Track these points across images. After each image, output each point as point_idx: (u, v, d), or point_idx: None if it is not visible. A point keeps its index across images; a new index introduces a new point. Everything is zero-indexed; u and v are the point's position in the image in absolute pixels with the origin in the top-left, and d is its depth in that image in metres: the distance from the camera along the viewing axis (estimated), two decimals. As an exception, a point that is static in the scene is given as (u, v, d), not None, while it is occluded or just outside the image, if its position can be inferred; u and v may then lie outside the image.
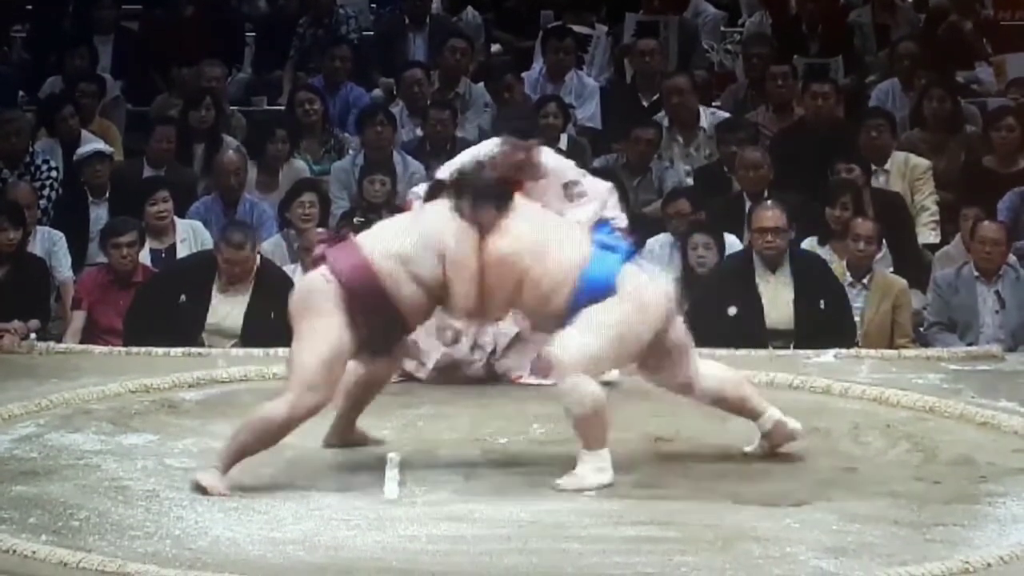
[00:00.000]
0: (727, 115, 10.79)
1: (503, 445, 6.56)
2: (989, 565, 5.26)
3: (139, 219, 9.21)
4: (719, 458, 6.32)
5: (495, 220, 6.10)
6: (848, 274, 8.89)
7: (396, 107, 10.96)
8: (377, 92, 11.53)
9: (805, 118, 10.59)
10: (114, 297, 8.83)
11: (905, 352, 8.16)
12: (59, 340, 8.57)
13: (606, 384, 6.94)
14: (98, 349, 8.17)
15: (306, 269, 8.57)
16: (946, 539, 5.54)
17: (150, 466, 6.25)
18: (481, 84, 11.25)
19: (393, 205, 8.81)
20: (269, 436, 6.02)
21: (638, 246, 8.90)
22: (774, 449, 6.34)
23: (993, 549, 5.40)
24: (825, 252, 9.09)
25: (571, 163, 7.23)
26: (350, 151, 10.66)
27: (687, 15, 12.29)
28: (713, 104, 11.17)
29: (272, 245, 9.38)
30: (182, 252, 9.31)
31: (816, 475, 6.19)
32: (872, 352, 8.07)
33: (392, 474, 6.16)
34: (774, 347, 8.23)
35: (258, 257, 8.59)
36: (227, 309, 8.44)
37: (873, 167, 9.97)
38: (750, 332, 8.27)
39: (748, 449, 6.36)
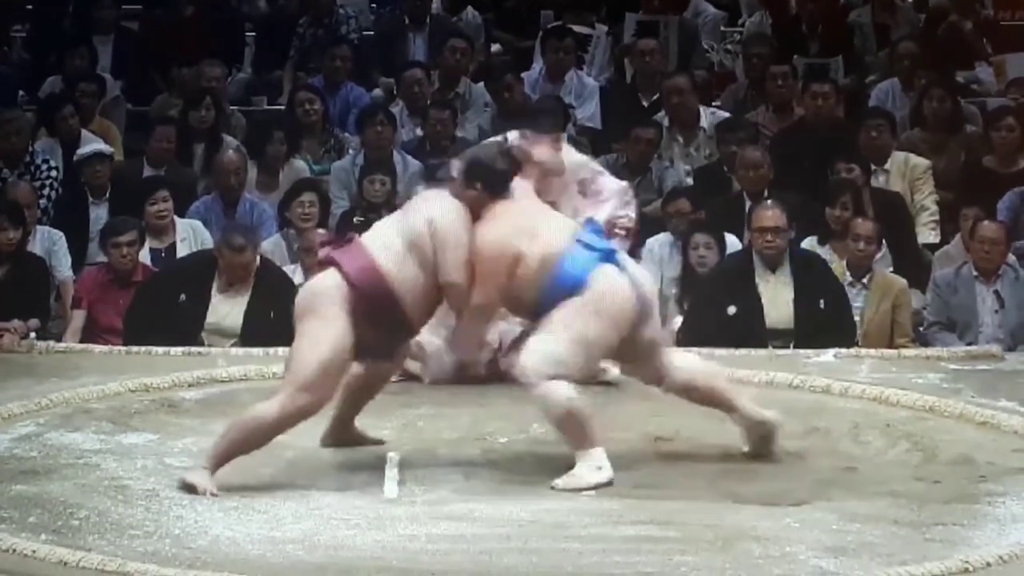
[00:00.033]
0: (727, 115, 10.79)
1: (503, 445, 6.56)
2: (988, 565, 5.26)
3: (139, 219, 9.21)
4: (719, 458, 6.32)
5: (485, 202, 6.12)
6: (848, 274, 8.89)
7: (396, 107, 10.96)
8: (377, 92, 11.53)
9: (805, 118, 10.59)
10: (114, 296, 8.83)
11: (905, 352, 8.17)
12: (59, 339, 8.57)
13: (607, 384, 6.99)
14: (98, 348, 8.17)
15: (306, 269, 8.59)
16: (946, 539, 5.54)
17: (150, 465, 6.25)
18: (481, 84, 11.25)
19: (393, 205, 8.79)
20: (260, 436, 6.01)
21: (639, 246, 8.98)
22: (757, 445, 6.32)
23: (992, 549, 5.40)
24: (825, 252, 9.08)
25: (589, 160, 7.22)
26: (350, 151, 10.66)
27: (687, 15, 12.28)
28: (713, 104, 11.16)
29: (272, 245, 9.38)
30: (182, 252, 9.31)
31: (816, 475, 6.19)
32: (872, 352, 8.07)
33: (392, 473, 6.16)
34: (774, 347, 8.23)
35: (258, 257, 8.58)
36: (227, 308, 8.44)
37: (873, 167, 9.97)
38: (750, 332, 8.27)
39: (747, 448, 6.36)
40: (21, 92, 11.59)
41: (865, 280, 8.89)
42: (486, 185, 6.16)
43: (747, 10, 12.84)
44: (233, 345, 8.28)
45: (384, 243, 6.10)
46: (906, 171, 10.11)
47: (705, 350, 7.68)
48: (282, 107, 11.32)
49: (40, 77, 11.67)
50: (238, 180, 9.96)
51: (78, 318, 8.85)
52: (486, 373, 7.19)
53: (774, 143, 10.32)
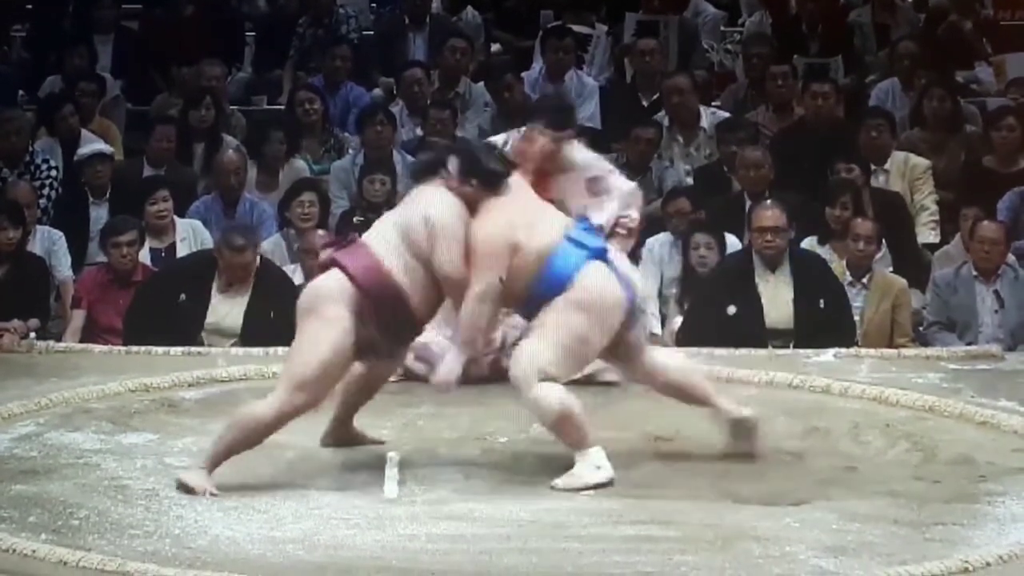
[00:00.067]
0: (727, 115, 10.78)
1: (503, 444, 6.56)
2: (988, 564, 5.27)
3: (139, 218, 9.21)
4: (719, 458, 6.32)
5: (480, 198, 6.13)
6: (848, 274, 8.89)
7: (396, 107, 10.96)
8: (377, 92, 11.53)
9: (805, 118, 10.59)
10: (114, 296, 8.82)
11: (905, 351, 8.17)
12: (59, 339, 8.57)
13: (607, 384, 6.99)
14: (98, 348, 8.17)
15: (306, 269, 8.59)
16: (945, 538, 5.54)
17: (150, 465, 6.25)
18: (481, 84, 11.25)
19: (393, 205, 8.76)
20: (256, 435, 6.01)
21: (640, 246, 8.97)
22: (737, 443, 6.31)
23: (992, 548, 5.40)
24: (825, 252, 9.08)
25: (600, 159, 7.21)
26: (350, 151, 10.66)
27: (687, 15, 12.28)
28: (713, 104, 11.16)
29: (272, 245, 9.38)
30: (182, 251, 9.31)
31: (816, 474, 6.19)
32: (872, 351, 8.07)
33: (392, 473, 6.16)
34: (774, 346, 8.23)
35: (258, 257, 8.58)
36: (227, 308, 8.44)
37: (873, 167, 9.96)
38: (750, 331, 8.27)
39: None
40: (21, 92, 11.59)
41: (865, 280, 8.89)
42: (481, 181, 6.16)
43: (747, 10, 12.84)
44: (233, 345, 8.27)
45: (385, 242, 6.10)
46: (906, 171, 10.11)
47: (705, 350, 7.71)
48: (282, 107, 11.32)
49: (40, 77, 11.67)
50: (238, 180, 9.96)
51: (78, 318, 8.85)
52: (489, 372, 7.19)
53: (774, 143, 10.32)
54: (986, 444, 6.56)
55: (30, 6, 12.70)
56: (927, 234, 9.96)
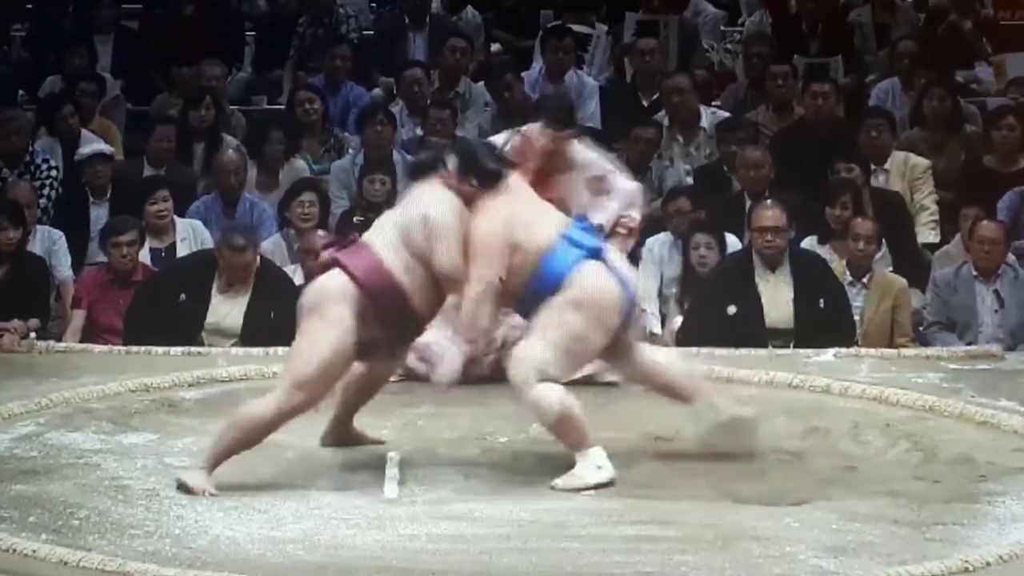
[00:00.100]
0: (727, 115, 10.78)
1: (503, 444, 6.57)
2: (988, 564, 5.27)
3: (139, 218, 9.21)
4: (719, 458, 6.32)
5: (478, 195, 6.13)
6: (848, 273, 8.89)
7: (396, 107, 10.96)
8: (377, 91, 11.53)
9: (805, 118, 10.59)
10: (114, 296, 8.82)
11: (905, 351, 8.17)
12: (59, 339, 8.57)
13: (607, 384, 6.99)
14: (98, 348, 8.17)
15: (306, 269, 8.59)
16: (946, 538, 5.54)
17: (150, 465, 6.26)
18: (481, 83, 11.25)
19: (393, 204, 8.78)
20: (256, 434, 6.01)
21: (640, 246, 8.97)
22: (733, 441, 6.30)
23: (992, 548, 5.41)
24: (825, 251, 9.08)
25: (604, 158, 7.21)
26: (350, 150, 10.66)
27: (687, 14, 12.28)
28: (713, 104, 11.16)
29: (272, 245, 9.38)
30: (182, 251, 9.31)
31: (816, 474, 6.19)
32: (872, 351, 8.08)
33: (392, 473, 6.16)
34: (774, 346, 8.23)
35: (258, 257, 8.58)
36: (227, 308, 8.44)
37: (873, 167, 9.96)
38: (750, 331, 8.27)
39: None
40: (21, 91, 11.59)
41: (865, 280, 8.89)
42: (480, 179, 6.16)
43: (747, 9, 12.83)
44: (233, 345, 8.28)
45: (386, 241, 6.11)
46: (906, 171, 10.10)
47: (705, 350, 7.71)
48: (282, 107, 11.31)
49: (40, 76, 11.67)
50: (238, 180, 9.96)
51: (78, 318, 8.84)
52: (489, 372, 7.19)
53: (774, 143, 10.32)
54: (986, 444, 6.56)
55: (30, 6, 12.70)
56: (927, 234, 9.96)
